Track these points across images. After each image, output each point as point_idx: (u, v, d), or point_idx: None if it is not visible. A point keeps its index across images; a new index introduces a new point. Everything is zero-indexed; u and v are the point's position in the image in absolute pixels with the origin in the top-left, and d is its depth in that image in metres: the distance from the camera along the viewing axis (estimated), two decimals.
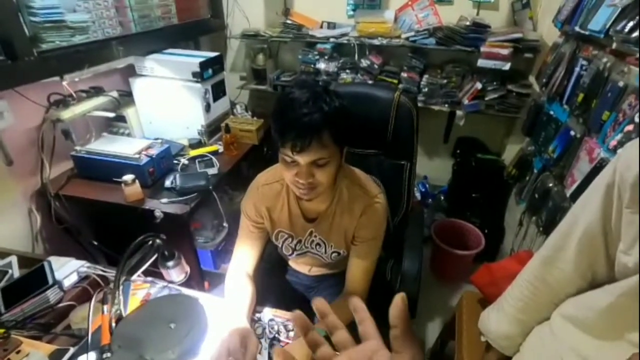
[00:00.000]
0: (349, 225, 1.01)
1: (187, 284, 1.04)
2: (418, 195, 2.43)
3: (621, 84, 1.09)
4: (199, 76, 1.65)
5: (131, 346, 0.79)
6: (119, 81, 1.79)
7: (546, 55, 1.74)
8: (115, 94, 1.61)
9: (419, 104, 1.90)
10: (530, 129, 1.78)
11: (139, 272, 0.96)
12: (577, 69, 1.37)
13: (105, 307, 0.85)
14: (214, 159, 1.64)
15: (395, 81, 2.10)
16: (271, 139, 0.89)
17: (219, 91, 1.83)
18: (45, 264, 1.00)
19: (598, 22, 1.21)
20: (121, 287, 0.87)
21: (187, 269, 1.02)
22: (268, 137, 1.88)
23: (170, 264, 0.96)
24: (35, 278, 0.96)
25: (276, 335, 0.92)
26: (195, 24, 2.05)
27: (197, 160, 1.63)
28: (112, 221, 1.46)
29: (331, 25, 2.23)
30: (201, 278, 1.57)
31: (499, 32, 1.87)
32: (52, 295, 0.94)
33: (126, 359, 0.77)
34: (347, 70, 2.15)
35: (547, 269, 0.79)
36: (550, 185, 1.46)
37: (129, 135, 1.73)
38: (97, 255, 1.56)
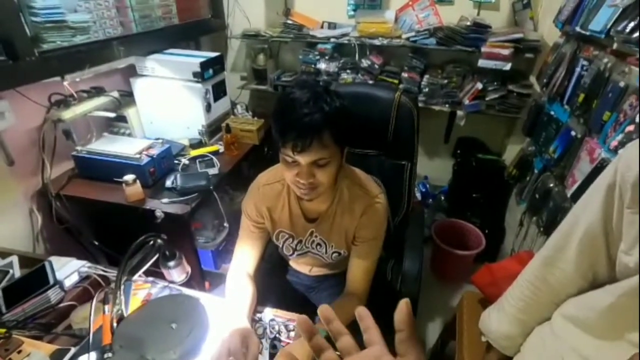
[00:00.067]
0: (350, 226, 1.01)
1: (187, 284, 1.04)
2: (418, 195, 2.43)
3: (622, 84, 1.09)
4: (200, 76, 1.65)
5: (133, 346, 0.79)
6: (120, 81, 1.80)
7: (547, 55, 1.74)
8: (116, 94, 1.62)
9: (420, 104, 1.90)
10: (531, 129, 1.78)
11: (140, 272, 0.96)
12: (577, 69, 1.37)
13: (107, 307, 0.85)
14: (214, 159, 1.64)
15: (396, 81, 2.10)
16: (272, 139, 0.89)
17: (219, 91, 1.83)
18: (46, 264, 1.00)
19: (599, 22, 1.21)
20: (122, 287, 0.87)
21: (188, 269, 1.03)
22: (269, 137, 1.88)
23: (171, 264, 0.96)
24: (36, 278, 0.96)
25: (277, 335, 0.92)
26: (196, 24, 2.05)
27: (197, 160, 1.63)
28: (112, 221, 1.46)
29: (332, 26, 2.23)
30: (202, 278, 1.57)
31: (499, 32, 1.87)
32: (53, 295, 0.95)
33: (128, 359, 0.77)
34: (348, 71, 2.15)
35: (548, 269, 0.79)
36: (551, 185, 1.46)
37: (129, 135, 1.73)
38: (98, 255, 1.56)
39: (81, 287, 1.00)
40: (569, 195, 1.30)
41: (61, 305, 0.95)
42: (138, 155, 1.43)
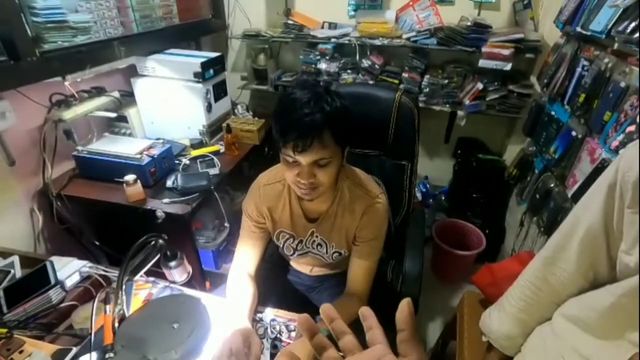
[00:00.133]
0: (350, 226, 1.02)
1: (188, 284, 1.04)
2: (419, 195, 2.43)
3: (623, 84, 1.09)
4: (201, 76, 1.66)
5: (134, 346, 0.79)
6: (121, 81, 1.80)
7: (547, 55, 1.74)
8: (116, 94, 1.62)
9: (420, 104, 1.89)
10: (532, 129, 1.78)
11: (142, 272, 0.97)
12: (578, 70, 1.37)
13: (108, 307, 0.85)
14: (215, 159, 1.65)
15: (397, 81, 2.10)
16: (272, 139, 0.89)
17: (220, 91, 1.83)
18: (47, 264, 1.00)
19: (600, 22, 1.21)
20: (124, 287, 0.87)
21: (190, 269, 1.03)
22: (269, 137, 1.88)
23: (172, 264, 0.97)
24: (37, 278, 0.97)
25: (278, 335, 0.92)
26: (196, 24, 2.05)
27: (198, 161, 1.64)
28: (113, 221, 1.46)
29: (332, 26, 2.23)
30: (202, 278, 1.57)
31: (500, 33, 1.87)
32: (54, 295, 0.95)
33: (129, 359, 0.77)
34: (348, 71, 2.15)
35: (549, 269, 0.79)
36: (552, 185, 1.47)
37: (130, 135, 1.73)
38: (99, 255, 1.56)
39: (82, 287, 1.01)
40: (569, 195, 1.30)
41: (62, 305, 0.95)
42: (139, 155, 1.43)
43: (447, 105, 2.07)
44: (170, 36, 1.84)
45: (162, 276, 1.01)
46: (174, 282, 1.01)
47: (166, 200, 1.39)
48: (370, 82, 2.10)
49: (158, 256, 0.95)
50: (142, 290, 1.02)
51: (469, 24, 1.86)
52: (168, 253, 0.96)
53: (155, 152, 1.48)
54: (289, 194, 1.02)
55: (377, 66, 2.08)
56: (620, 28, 1.09)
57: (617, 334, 0.66)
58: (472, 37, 1.87)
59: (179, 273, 0.99)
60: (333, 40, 2.09)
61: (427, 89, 2.05)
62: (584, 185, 1.21)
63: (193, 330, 0.85)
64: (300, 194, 0.94)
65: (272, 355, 0.88)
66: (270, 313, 0.98)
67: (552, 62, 1.61)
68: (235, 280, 1.03)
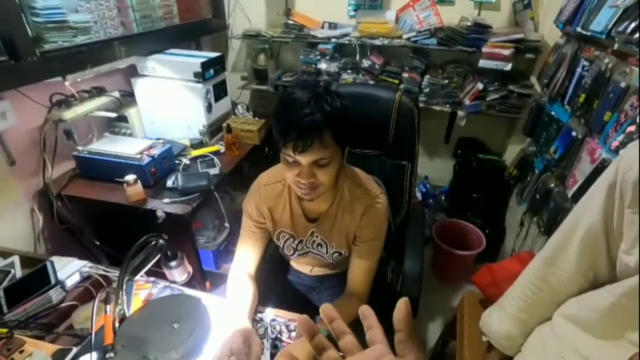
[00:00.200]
0: (350, 226, 1.02)
1: (188, 284, 1.04)
2: (419, 195, 2.43)
3: (623, 84, 1.09)
4: (201, 76, 1.66)
5: (135, 346, 0.80)
6: (121, 81, 1.80)
7: (547, 55, 1.74)
8: (117, 94, 1.62)
9: (420, 105, 1.89)
10: (532, 129, 1.78)
11: (142, 272, 0.97)
12: (578, 70, 1.37)
13: (109, 307, 0.85)
14: (215, 159, 1.65)
15: (397, 81, 2.10)
16: (272, 139, 0.89)
17: (220, 91, 1.83)
18: (48, 263, 1.00)
19: (600, 22, 1.21)
20: (124, 287, 0.87)
21: (190, 269, 1.03)
22: (269, 137, 1.88)
23: (173, 264, 0.97)
24: (37, 278, 0.97)
25: (278, 335, 0.92)
26: (196, 24, 2.05)
27: (198, 161, 1.64)
28: (114, 221, 1.46)
29: (332, 26, 2.23)
30: (203, 278, 1.57)
31: (500, 33, 1.87)
32: (55, 295, 0.95)
33: (130, 359, 0.77)
34: (349, 71, 2.15)
35: (549, 269, 0.79)
36: (552, 185, 1.47)
37: (130, 135, 1.74)
38: (99, 255, 1.56)
39: (82, 287, 1.01)
40: (569, 195, 1.31)
41: (63, 305, 0.95)
42: (139, 155, 1.44)
43: (447, 106, 2.07)
44: (171, 36, 1.85)
45: (163, 276, 1.01)
46: (174, 282, 1.01)
47: (166, 200, 1.39)
48: (371, 82, 2.10)
49: (158, 256, 0.95)
50: (143, 290, 1.02)
51: (469, 24, 1.86)
52: (168, 253, 0.96)
53: (156, 152, 1.48)
54: (289, 194, 1.02)
55: (377, 66, 2.08)
56: (621, 28, 1.09)
57: (617, 334, 0.66)
58: (472, 37, 1.87)
59: (179, 273, 0.99)
60: (333, 40, 2.09)
61: (427, 89, 2.05)
62: (584, 185, 1.21)
63: (193, 330, 0.85)
64: (300, 194, 0.94)
65: (273, 355, 0.88)
66: (270, 313, 0.98)
67: (552, 62, 1.61)
68: (235, 280, 1.03)
